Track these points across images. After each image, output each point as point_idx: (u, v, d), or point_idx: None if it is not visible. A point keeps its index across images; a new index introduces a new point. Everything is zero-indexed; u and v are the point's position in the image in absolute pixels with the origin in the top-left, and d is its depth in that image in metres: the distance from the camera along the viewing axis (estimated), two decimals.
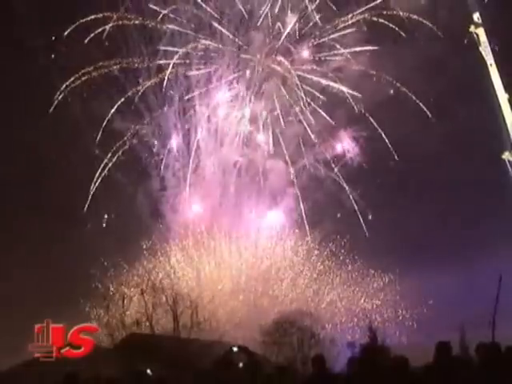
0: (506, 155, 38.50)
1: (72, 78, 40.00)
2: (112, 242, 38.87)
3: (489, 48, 39.63)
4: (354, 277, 40.49)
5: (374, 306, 39.70)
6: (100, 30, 39.74)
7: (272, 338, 37.87)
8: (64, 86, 39.96)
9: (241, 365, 30.74)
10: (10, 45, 38.15)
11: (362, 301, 39.87)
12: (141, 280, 39.23)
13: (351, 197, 41.25)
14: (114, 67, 40.55)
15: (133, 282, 39.27)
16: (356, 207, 41.26)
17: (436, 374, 10.97)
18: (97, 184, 40.65)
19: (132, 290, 39.06)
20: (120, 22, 40.18)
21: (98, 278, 38.54)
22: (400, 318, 39.11)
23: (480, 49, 39.88)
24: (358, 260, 40.71)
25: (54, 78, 39.27)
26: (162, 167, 41.68)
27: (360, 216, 41.11)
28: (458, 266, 38.91)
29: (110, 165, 40.96)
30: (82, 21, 39.27)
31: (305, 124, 41.47)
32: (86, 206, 40.41)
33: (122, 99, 40.69)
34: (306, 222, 41.17)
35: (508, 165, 38.45)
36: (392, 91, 40.93)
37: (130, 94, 40.76)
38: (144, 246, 40.65)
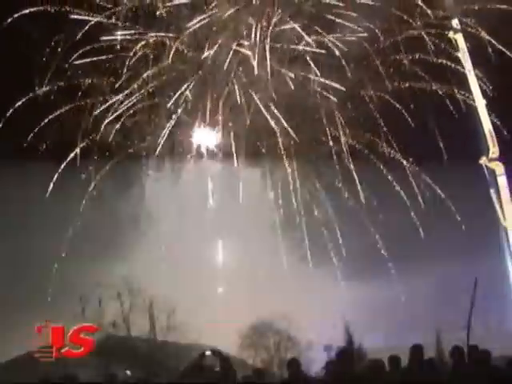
0: (483, 160, 38.65)
1: None
2: (91, 245, 39.12)
3: (467, 54, 39.83)
4: (330, 279, 40.66)
5: (351, 310, 39.79)
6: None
7: (249, 341, 37.96)
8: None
9: (217, 368, 30.81)
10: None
11: (339, 303, 39.93)
12: (118, 282, 39.07)
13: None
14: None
15: (110, 283, 39.04)
16: (330, 213, 41.65)
17: (411, 376, 11.05)
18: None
19: (109, 291, 38.88)
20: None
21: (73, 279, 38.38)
22: (376, 321, 39.25)
23: (459, 55, 40.09)
24: (332, 263, 41.05)
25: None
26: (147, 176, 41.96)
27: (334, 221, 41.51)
28: (434, 270, 39.24)
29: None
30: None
31: None
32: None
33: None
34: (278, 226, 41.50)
35: (485, 170, 38.67)
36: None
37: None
38: (121, 249, 40.59)
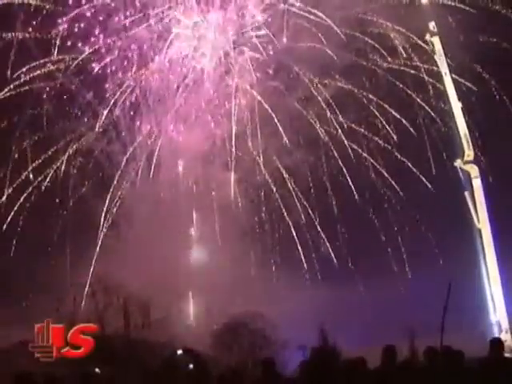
0: (458, 162, 39.01)
1: None
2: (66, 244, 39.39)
3: (443, 57, 40.12)
4: (304, 281, 40.99)
5: (325, 310, 39.91)
6: None
7: (223, 340, 37.91)
8: None
9: (191, 366, 30.77)
10: None
11: (314, 304, 40.04)
12: (92, 280, 38.98)
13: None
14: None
15: (85, 281, 38.94)
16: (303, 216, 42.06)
17: (384, 377, 11.08)
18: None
19: (83, 289, 38.75)
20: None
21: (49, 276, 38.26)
22: (352, 321, 39.39)
23: (435, 57, 40.37)
24: (304, 264, 41.44)
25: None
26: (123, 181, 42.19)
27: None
28: (410, 272, 39.49)
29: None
30: None
31: None
32: None
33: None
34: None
35: (459, 172, 38.98)
36: None
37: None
38: (97, 248, 40.75)
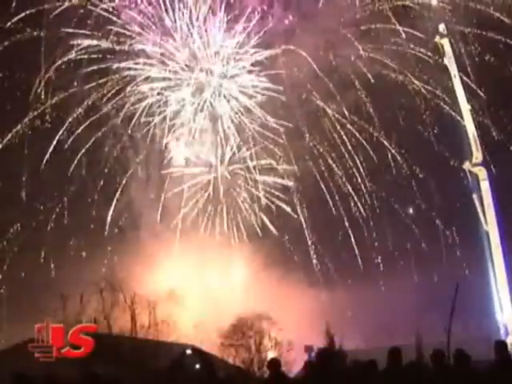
0: (466, 165, 38.89)
1: None
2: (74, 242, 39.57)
3: (453, 59, 40.03)
4: (311, 282, 41.07)
5: (333, 311, 39.98)
6: None
7: (230, 341, 37.95)
8: None
9: (197, 366, 30.80)
10: None
11: (321, 306, 40.11)
12: (100, 279, 39.08)
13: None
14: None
15: (92, 280, 39.01)
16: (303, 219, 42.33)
17: (390, 379, 11.08)
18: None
19: (90, 288, 38.82)
20: None
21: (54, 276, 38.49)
22: (358, 323, 39.41)
23: (444, 59, 40.27)
24: (313, 266, 41.57)
25: None
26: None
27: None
28: (417, 274, 39.46)
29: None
30: None
31: None
32: None
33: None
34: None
35: (468, 174, 38.89)
36: None
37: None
38: (107, 248, 41.02)
